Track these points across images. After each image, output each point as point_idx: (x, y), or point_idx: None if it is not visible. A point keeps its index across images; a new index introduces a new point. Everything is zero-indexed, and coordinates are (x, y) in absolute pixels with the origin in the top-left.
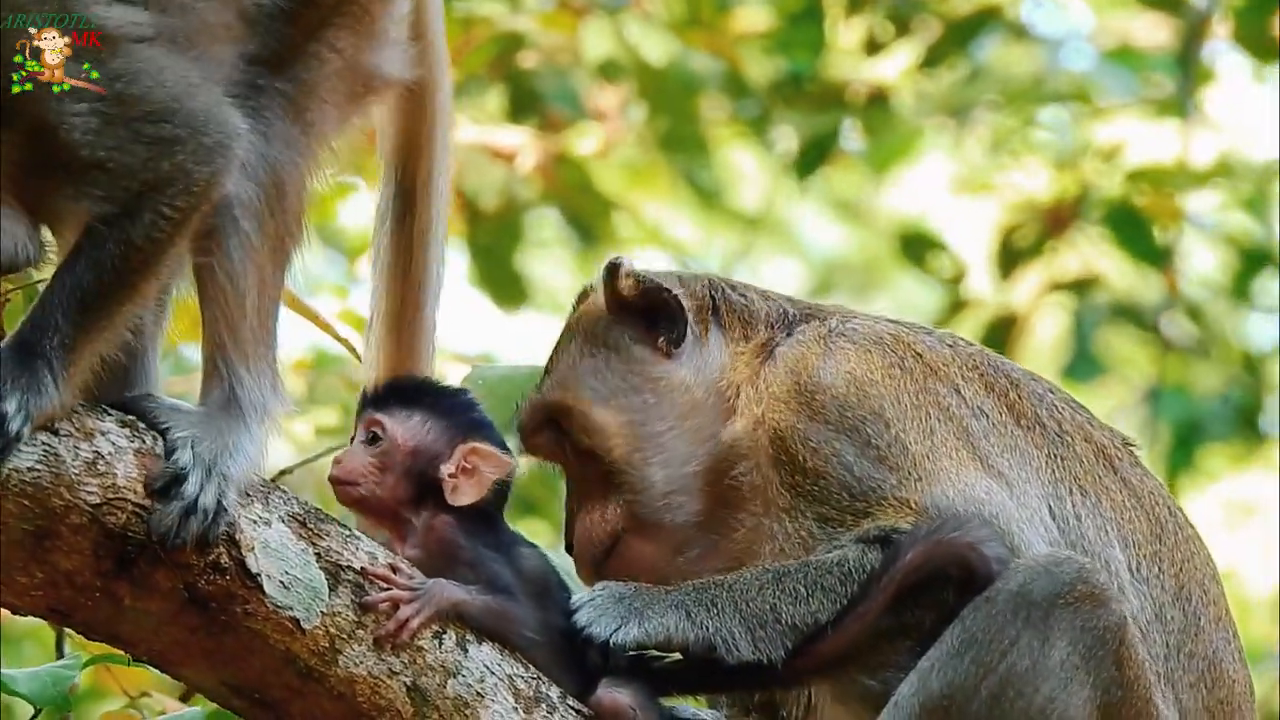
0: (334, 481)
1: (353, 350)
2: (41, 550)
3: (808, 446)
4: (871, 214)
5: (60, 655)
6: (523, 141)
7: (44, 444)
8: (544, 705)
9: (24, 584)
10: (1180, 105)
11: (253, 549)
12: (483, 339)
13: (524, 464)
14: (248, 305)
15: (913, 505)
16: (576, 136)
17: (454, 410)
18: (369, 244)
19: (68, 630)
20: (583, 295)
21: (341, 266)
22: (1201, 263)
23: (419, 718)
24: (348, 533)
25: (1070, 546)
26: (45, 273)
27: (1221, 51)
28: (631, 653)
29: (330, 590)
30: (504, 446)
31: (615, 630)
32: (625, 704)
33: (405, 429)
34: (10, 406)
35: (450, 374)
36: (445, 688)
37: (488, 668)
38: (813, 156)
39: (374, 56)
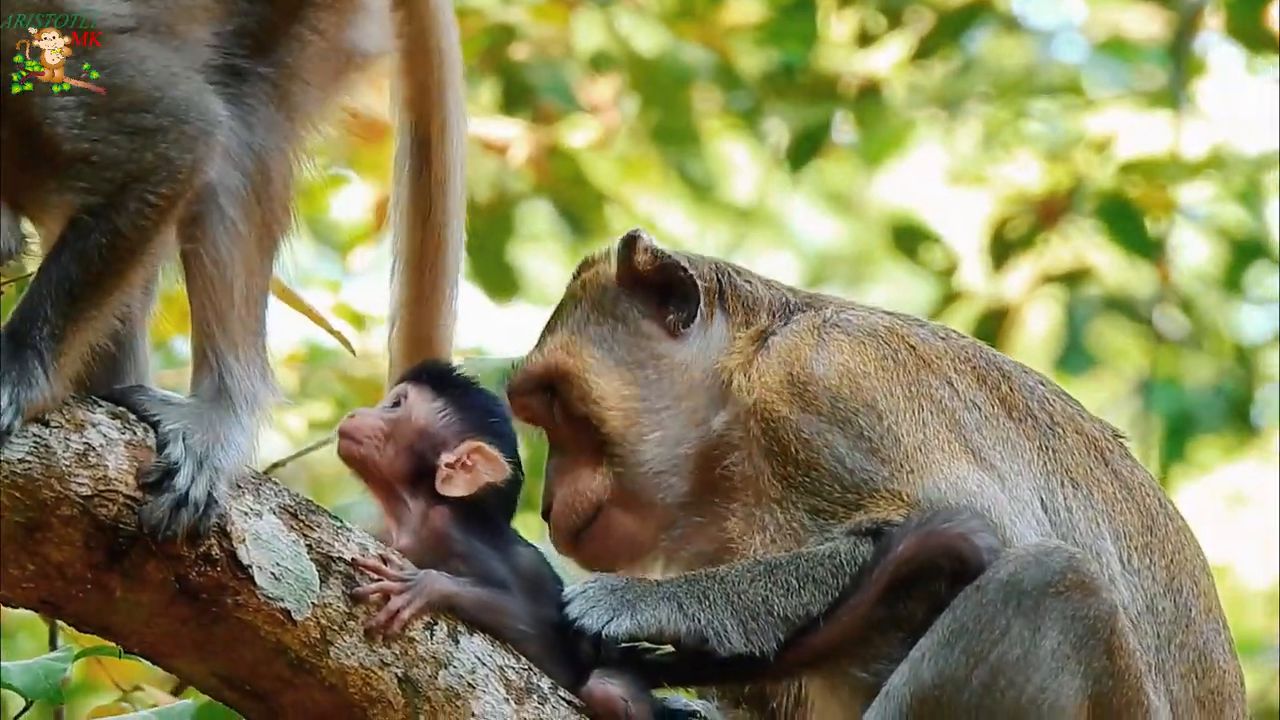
0: (342, 433)
1: (346, 343)
2: (32, 542)
3: (800, 438)
4: (864, 206)
5: (54, 648)
6: (515, 134)
7: (35, 435)
8: (535, 696)
9: (15, 576)
10: (1172, 97)
11: (244, 541)
12: (475, 331)
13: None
14: (235, 294)
15: (904, 497)
16: (569, 129)
17: (477, 409)
18: (363, 236)
19: (60, 623)
20: (585, 264)
21: (334, 260)
22: (1194, 255)
23: (410, 709)
24: (339, 524)
25: (1062, 538)
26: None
27: (1214, 43)
28: (623, 645)
29: (321, 582)
30: (513, 457)
31: (607, 622)
32: (617, 695)
33: (424, 408)
34: (1, 399)
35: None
36: (437, 679)
37: (479, 659)
38: (805, 149)
39: (355, 33)
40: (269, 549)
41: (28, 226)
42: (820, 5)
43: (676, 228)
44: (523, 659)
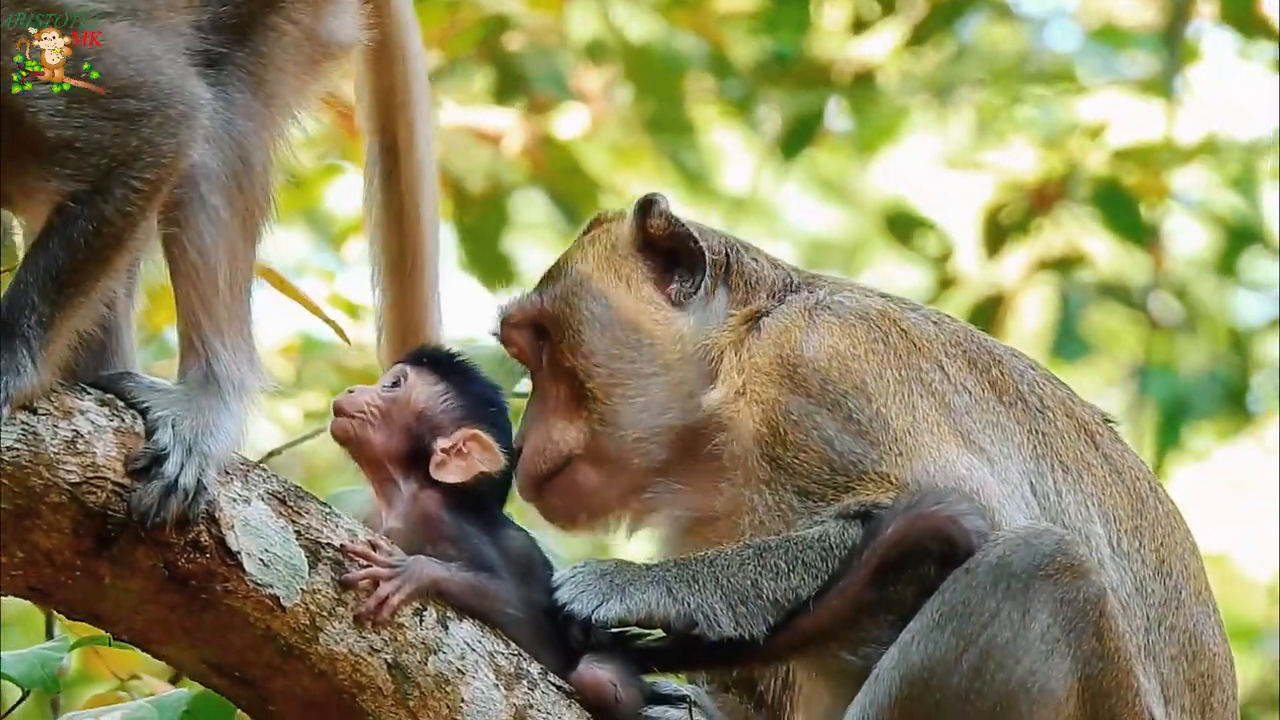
0: (337, 409)
1: (341, 333)
2: (21, 529)
3: (789, 420)
4: (858, 193)
5: (50, 638)
6: (509, 124)
7: (23, 423)
8: (525, 681)
9: (4, 563)
10: (1166, 84)
11: (232, 527)
12: (470, 321)
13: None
14: (220, 280)
15: (893, 480)
16: (562, 118)
17: (477, 396)
18: (357, 227)
19: (57, 614)
20: (597, 220)
21: (328, 251)
22: (1188, 241)
23: (400, 695)
24: (327, 510)
25: (1051, 522)
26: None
27: (1206, 30)
28: (613, 630)
29: (310, 568)
30: (508, 447)
31: (597, 607)
32: (607, 680)
33: (425, 390)
34: None
35: None
36: (426, 665)
37: (468, 644)
38: (798, 136)
39: (329, 23)
40: (258, 535)
41: (7, 215)
42: None
43: None
44: (512, 644)
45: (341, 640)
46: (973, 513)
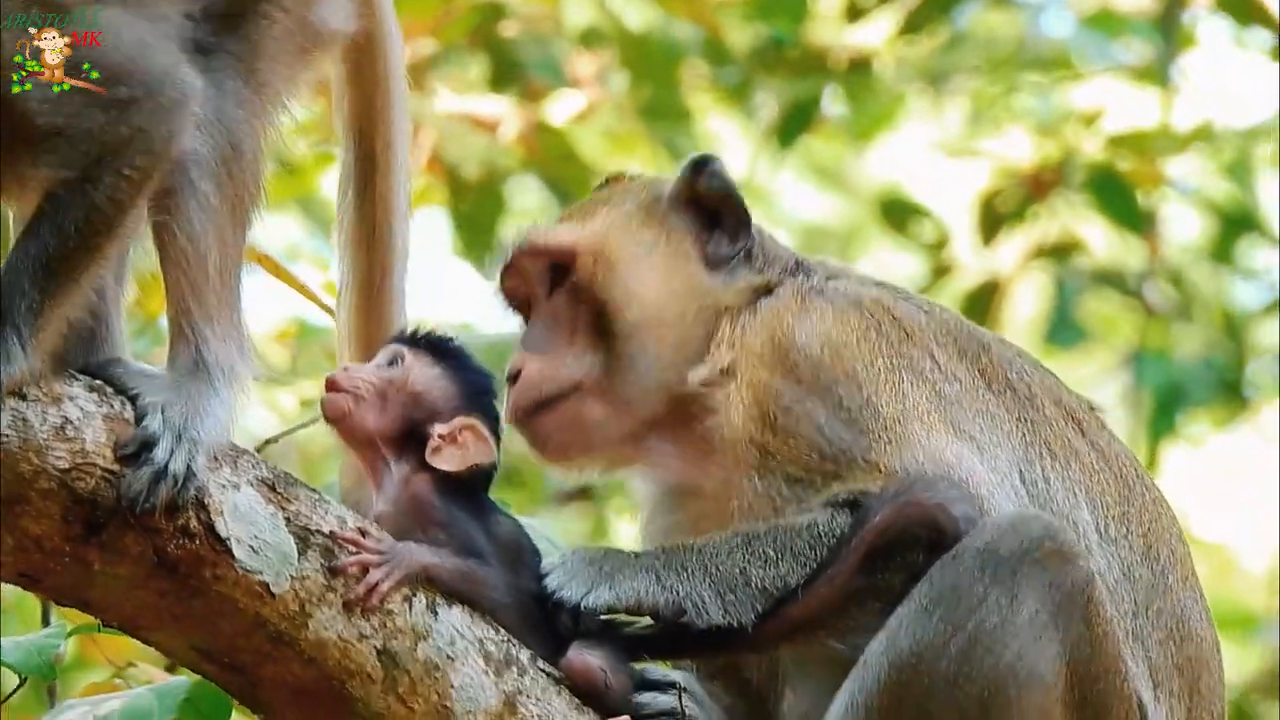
0: (331, 385)
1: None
2: (10, 515)
3: (779, 405)
4: (853, 180)
5: (47, 625)
6: (504, 110)
7: (12, 409)
8: (514, 668)
9: None
10: (1161, 70)
11: (222, 513)
12: (467, 308)
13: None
14: (210, 267)
15: (882, 468)
16: (558, 105)
17: (474, 385)
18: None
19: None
20: (614, 177)
21: (323, 238)
22: (1183, 228)
23: (389, 681)
24: (317, 496)
25: (1040, 509)
26: None
27: (1202, 16)
28: (602, 617)
29: (299, 554)
30: (498, 439)
31: (586, 594)
32: (596, 666)
33: (423, 373)
34: None
35: None
36: (416, 651)
37: (458, 631)
38: (794, 123)
39: (320, 11)
40: (247, 521)
41: None
42: None
43: None
44: (501, 631)
45: (331, 627)
46: (961, 500)
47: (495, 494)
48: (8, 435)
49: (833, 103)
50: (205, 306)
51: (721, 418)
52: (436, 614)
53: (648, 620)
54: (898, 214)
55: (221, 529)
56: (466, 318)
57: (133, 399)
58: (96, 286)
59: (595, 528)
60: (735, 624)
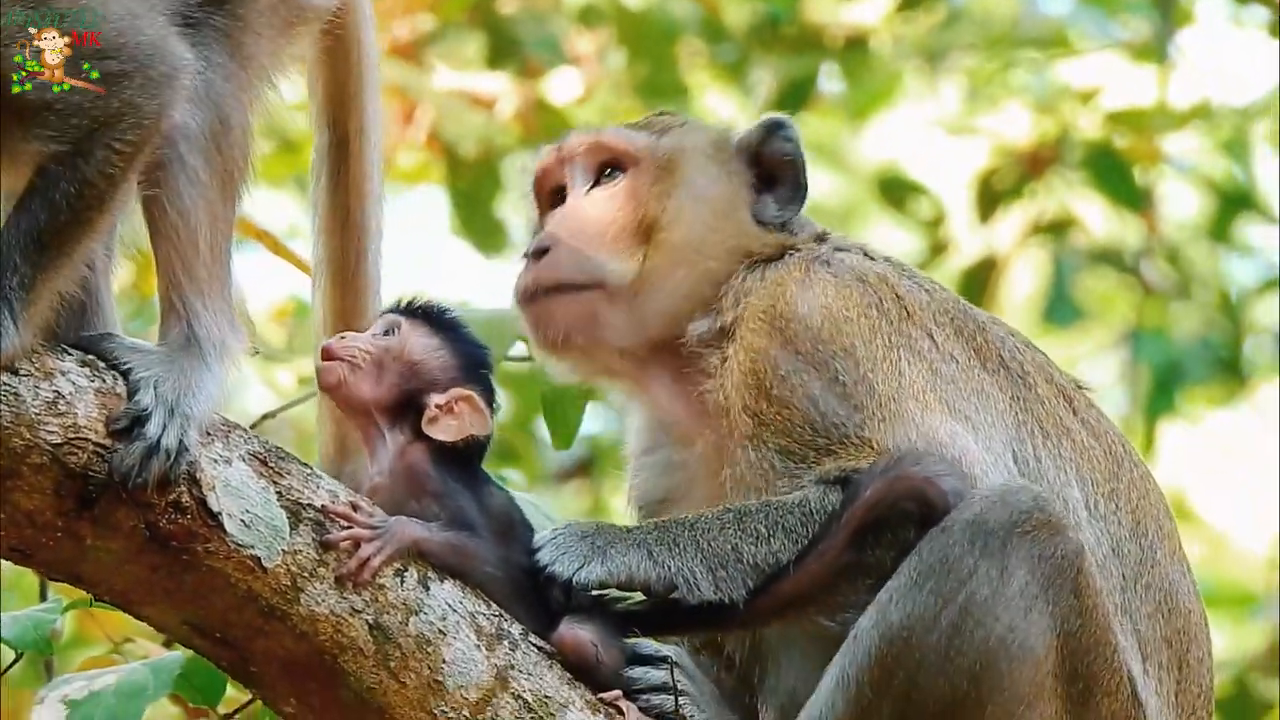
0: (326, 354)
1: None
2: (2, 490)
3: (776, 374)
4: (851, 158)
5: (44, 600)
6: (502, 88)
7: (4, 384)
8: (506, 642)
9: None
10: (1159, 47)
11: (214, 488)
12: (465, 285)
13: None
14: (200, 242)
15: (874, 446)
16: (555, 82)
17: (470, 356)
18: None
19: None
20: (677, 116)
21: None
22: (1181, 205)
23: (381, 656)
24: (309, 471)
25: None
26: None
27: None
28: (593, 592)
29: (291, 529)
30: (493, 411)
31: (578, 569)
32: (588, 641)
33: (419, 342)
34: None
35: None
36: (407, 625)
37: (449, 605)
38: (791, 101)
39: None
40: (239, 496)
41: None
42: None
43: None
44: (493, 605)
45: (323, 601)
46: (950, 474)
47: (494, 472)
48: None
49: (830, 80)
50: (196, 281)
51: (716, 382)
52: (428, 588)
53: (639, 596)
54: (895, 191)
55: (213, 504)
56: (464, 294)
57: (125, 374)
58: (88, 260)
59: (593, 505)
60: (726, 600)
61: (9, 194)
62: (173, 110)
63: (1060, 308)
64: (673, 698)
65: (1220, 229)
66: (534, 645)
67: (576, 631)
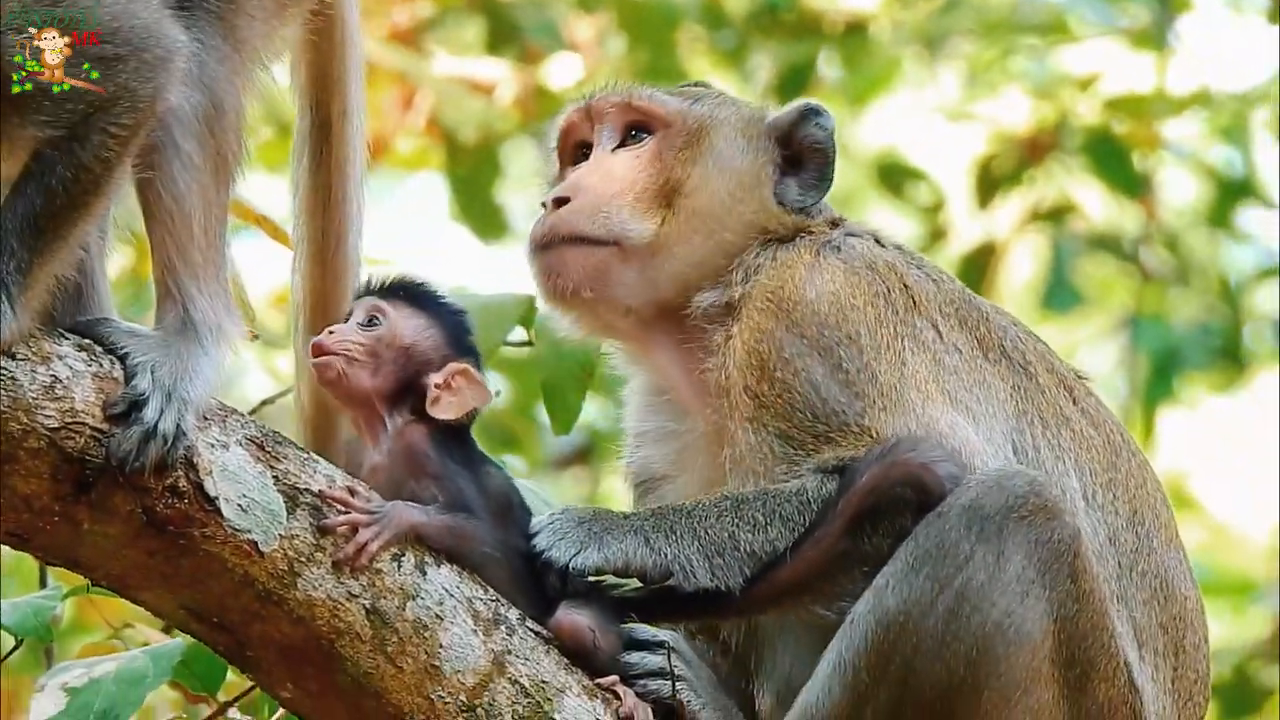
0: (320, 350)
1: None
2: (0, 475)
3: (780, 356)
4: (849, 144)
5: (44, 586)
6: (501, 74)
7: (1, 368)
8: (503, 627)
9: None
10: (1158, 33)
11: (210, 472)
12: (465, 271)
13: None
14: (195, 226)
15: (874, 435)
16: (555, 68)
17: (455, 328)
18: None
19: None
20: (711, 88)
21: None
22: (1180, 191)
23: (378, 640)
24: (306, 456)
25: None
26: None
27: None
28: (590, 578)
29: (288, 513)
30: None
31: (575, 555)
32: (585, 625)
33: (408, 325)
34: None
35: None
36: (404, 610)
37: (447, 590)
38: (791, 86)
39: None
40: (236, 480)
41: None
42: None
43: None
44: (490, 590)
45: (320, 586)
46: (946, 459)
47: (496, 458)
48: None
49: (829, 66)
50: (191, 265)
51: (718, 360)
52: (425, 573)
53: (635, 582)
54: (894, 177)
55: (210, 488)
56: (463, 280)
57: (121, 358)
58: (84, 244)
59: (593, 492)
60: (723, 587)
61: (5, 179)
62: (168, 93)
63: (1059, 294)
64: (670, 683)
65: (1219, 215)
66: (531, 630)
67: (574, 616)
